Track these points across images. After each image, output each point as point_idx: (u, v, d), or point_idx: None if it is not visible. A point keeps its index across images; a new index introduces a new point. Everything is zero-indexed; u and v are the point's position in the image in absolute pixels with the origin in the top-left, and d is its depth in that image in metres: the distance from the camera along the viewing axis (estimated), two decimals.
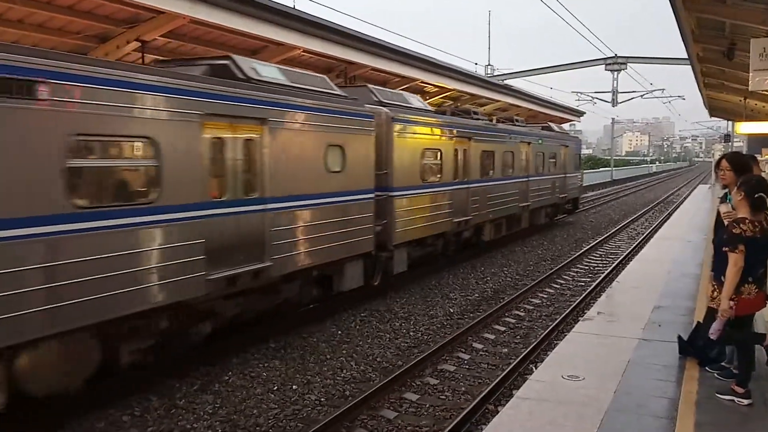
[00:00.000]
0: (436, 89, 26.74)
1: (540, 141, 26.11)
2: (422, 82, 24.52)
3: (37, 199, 7.32)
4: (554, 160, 27.78)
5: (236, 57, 11.39)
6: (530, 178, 24.53)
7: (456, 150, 18.11)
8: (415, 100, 17.73)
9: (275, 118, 10.90)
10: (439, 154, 17.17)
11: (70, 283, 7.54)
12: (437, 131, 17.28)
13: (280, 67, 12.65)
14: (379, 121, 14.34)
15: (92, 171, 8.22)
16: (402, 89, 23.93)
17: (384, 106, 14.99)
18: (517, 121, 26.28)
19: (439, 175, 17.18)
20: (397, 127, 14.97)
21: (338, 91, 13.33)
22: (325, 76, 13.59)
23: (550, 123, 31.67)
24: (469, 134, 19.01)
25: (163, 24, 13.94)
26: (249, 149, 10.50)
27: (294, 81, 12.05)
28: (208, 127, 9.59)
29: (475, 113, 21.95)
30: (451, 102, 29.38)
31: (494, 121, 24.78)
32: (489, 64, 44.79)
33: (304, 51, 17.45)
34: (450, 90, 27.00)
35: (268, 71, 11.68)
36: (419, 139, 16.15)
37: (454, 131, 18.07)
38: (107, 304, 7.99)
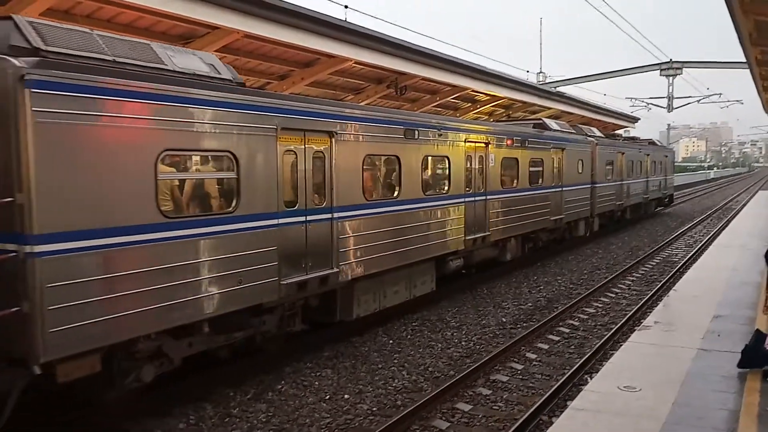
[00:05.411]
0: (488, 98, 26.63)
1: (654, 153, 36.80)
2: (473, 91, 24.46)
3: None
4: (660, 166, 38.07)
5: (544, 119, 23.76)
6: (648, 179, 34.85)
7: (618, 160, 28.67)
8: (597, 131, 28.16)
9: (568, 147, 22.26)
10: (611, 162, 27.79)
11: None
12: (610, 149, 27.96)
13: (556, 121, 24.40)
14: (591, 145, 25.28)
15: None
16: (453, 98, 24.07)
17: (588, 137, 25.62)
18: (638, 139, 39.10)
19: (610, 176, 27.63)
20: (598, 148, 25.89)
21: (573, 130, 24.45)
22: (564, 122, 25.42)
23: (653, 139, 43.17)
24: (623, 150, 29.87)
25: (218, 39, 14.24)
26: (553, 163, 21.13)
27: (560, 127, 23.10)
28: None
29: (617, 135, 34.89)
30: (503, 110, 29.89)
31: (621, 139, 35.18)
32: (541, 71, 44.37)
33: (355, 62, 17.62)
34: (501, 98, 26.85)
35: (554, 124, 22.83)
36: (604, 154, 26.69)
37: (616, 149, 28.82)
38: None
